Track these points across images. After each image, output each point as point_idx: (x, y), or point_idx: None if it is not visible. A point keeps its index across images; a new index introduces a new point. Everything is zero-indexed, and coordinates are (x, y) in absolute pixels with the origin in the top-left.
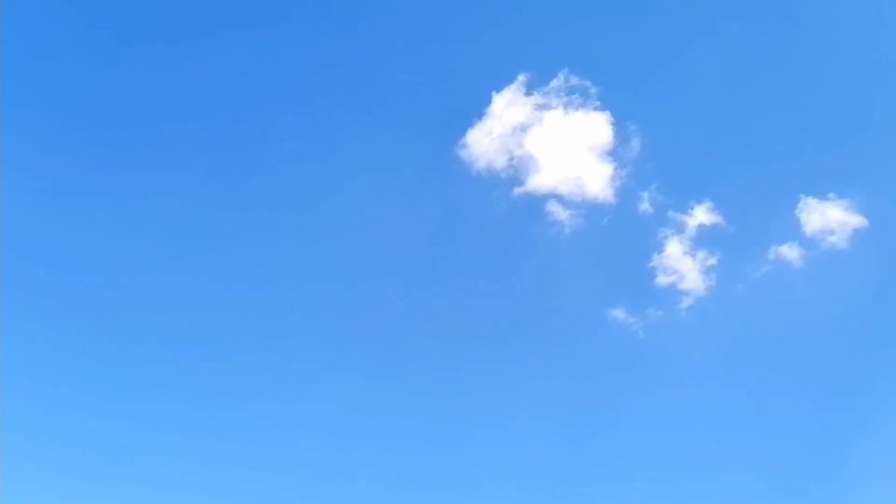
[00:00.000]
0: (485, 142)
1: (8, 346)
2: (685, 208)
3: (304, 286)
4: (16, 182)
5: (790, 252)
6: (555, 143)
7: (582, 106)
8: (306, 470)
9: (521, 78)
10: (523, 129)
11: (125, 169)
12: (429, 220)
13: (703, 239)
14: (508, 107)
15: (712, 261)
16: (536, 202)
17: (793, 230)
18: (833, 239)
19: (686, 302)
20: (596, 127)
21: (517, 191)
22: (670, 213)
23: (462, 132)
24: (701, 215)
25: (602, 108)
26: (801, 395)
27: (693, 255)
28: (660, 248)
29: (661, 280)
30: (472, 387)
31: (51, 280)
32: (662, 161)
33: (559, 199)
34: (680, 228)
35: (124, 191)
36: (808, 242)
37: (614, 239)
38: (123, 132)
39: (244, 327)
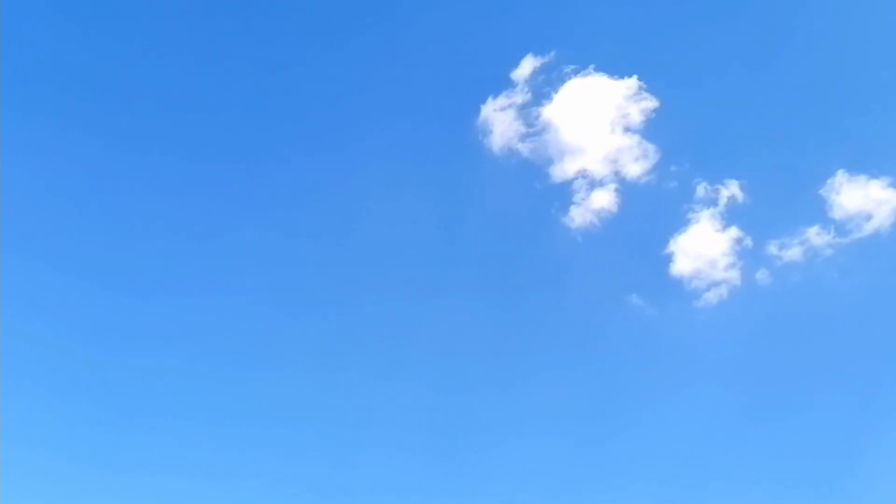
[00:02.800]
0: (509, 116)
1: (10, 347)
2: (715, 187)
3: (317, 288)
4: (25, 185)
5: (823, 235)
6: (584, 119)
7: (614, 79)
8: (319, 477)
9: (555, 51)
10: (552, 103)
11: (133, 170)
12: (449, 202)
13: (733, 220)
14: (538, 79)
15: (748, 241)
16: (566, 180)
17: (828, 210)
18: (872, 224)
19: (715, 291)
20: (627, 102)
21: (545, 169)
22: (698, 193)
23: (486, 104)
24: (734, 189)
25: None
26: (820, 394)
27: (723, 233)
28: (685, 231)
29: (684, 267)
30: (486, 386)
31: (70, 286)
32: (695, 138)
33: (589, 176)
34: (709, 205)
35: (129, 192)
36: (842, 225)
37: (639, 221)
38: (131, 138)
39: (250, 332)
